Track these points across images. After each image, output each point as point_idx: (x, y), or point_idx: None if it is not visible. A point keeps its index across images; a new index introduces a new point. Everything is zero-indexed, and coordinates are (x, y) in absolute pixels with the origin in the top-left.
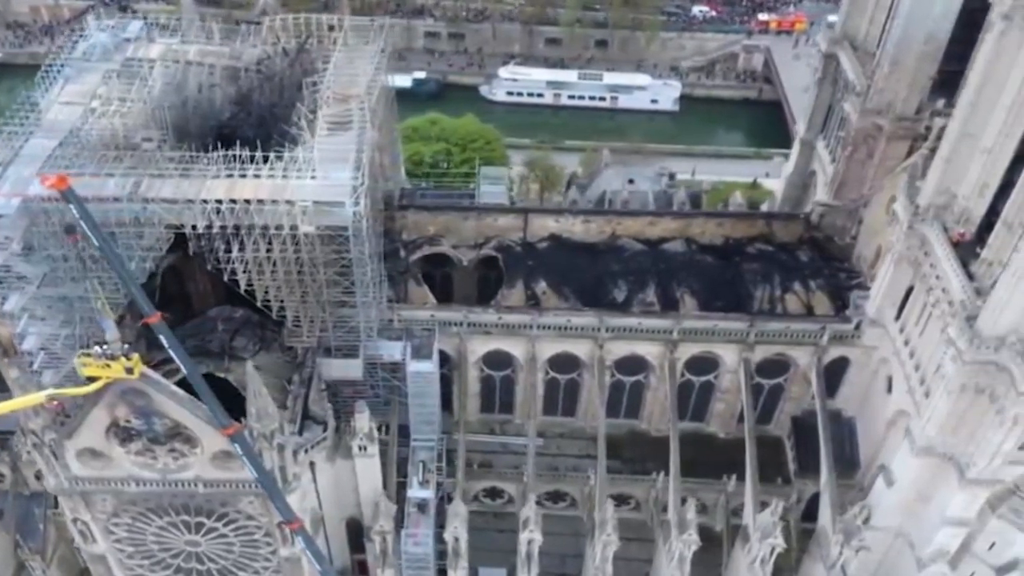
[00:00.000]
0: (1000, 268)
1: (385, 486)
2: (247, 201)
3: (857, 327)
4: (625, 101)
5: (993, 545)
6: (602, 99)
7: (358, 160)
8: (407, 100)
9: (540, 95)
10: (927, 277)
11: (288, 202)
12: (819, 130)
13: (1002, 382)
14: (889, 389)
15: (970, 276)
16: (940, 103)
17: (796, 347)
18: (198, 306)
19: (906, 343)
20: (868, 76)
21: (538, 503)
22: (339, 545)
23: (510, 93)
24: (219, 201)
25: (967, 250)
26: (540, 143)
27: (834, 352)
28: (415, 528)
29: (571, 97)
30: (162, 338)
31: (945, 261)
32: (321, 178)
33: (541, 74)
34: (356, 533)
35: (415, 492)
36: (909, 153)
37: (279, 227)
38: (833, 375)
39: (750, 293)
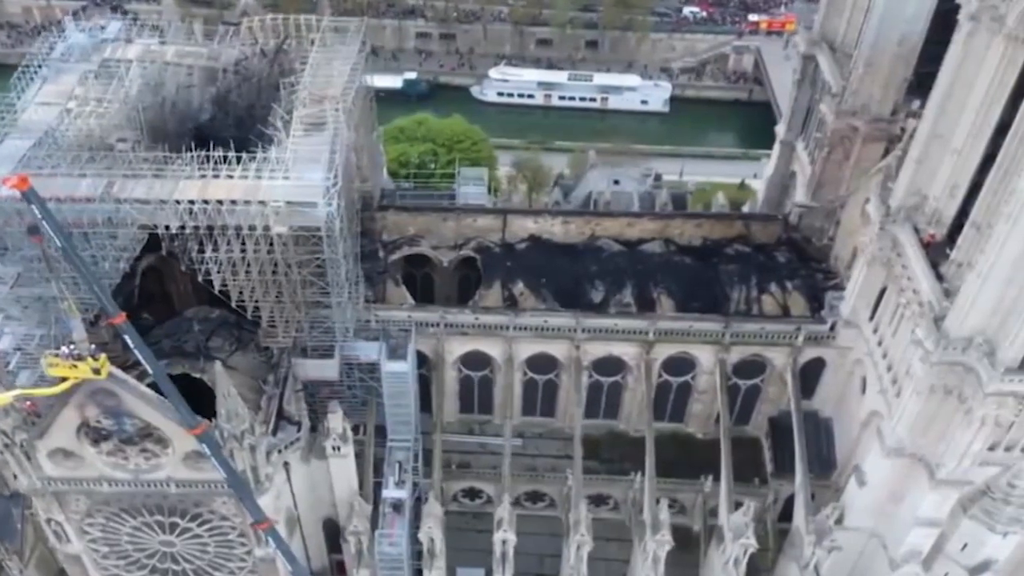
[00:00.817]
0: (969, 269)
1: (362, 487)
2: (220, 202)
3: (832, 328)
4: (615, 102)
5: (965, 546)
6: (592, 100)
7: (331, 161)
8: (398, 101)
9: (531, 96)
10: (899, 278)
11: (261, 202)
12: (799, 131)
13: (970, 383)
14: (864, 390)
15: (940, 277)
16: (916, 104)
17: (772, 348)
18: (180, 306)
19: (879, 344)
20: (845, 77)
21: (517, 503)
22: (316, 545)
23: (501, 94)
24: (192, 201)
25: (937, 251)
26: (530, 144)
27: (810, 353)
28: (390, 528)
29: (561, 98)
30: (127, 338)
31: (915, 262)
32: (294, 179)
33: (532, 75)
34: (333, 533)
35: (391, 492)
36: (885, 154)
37: (252, 227)
38: (810, 376)
39: (727, 294)
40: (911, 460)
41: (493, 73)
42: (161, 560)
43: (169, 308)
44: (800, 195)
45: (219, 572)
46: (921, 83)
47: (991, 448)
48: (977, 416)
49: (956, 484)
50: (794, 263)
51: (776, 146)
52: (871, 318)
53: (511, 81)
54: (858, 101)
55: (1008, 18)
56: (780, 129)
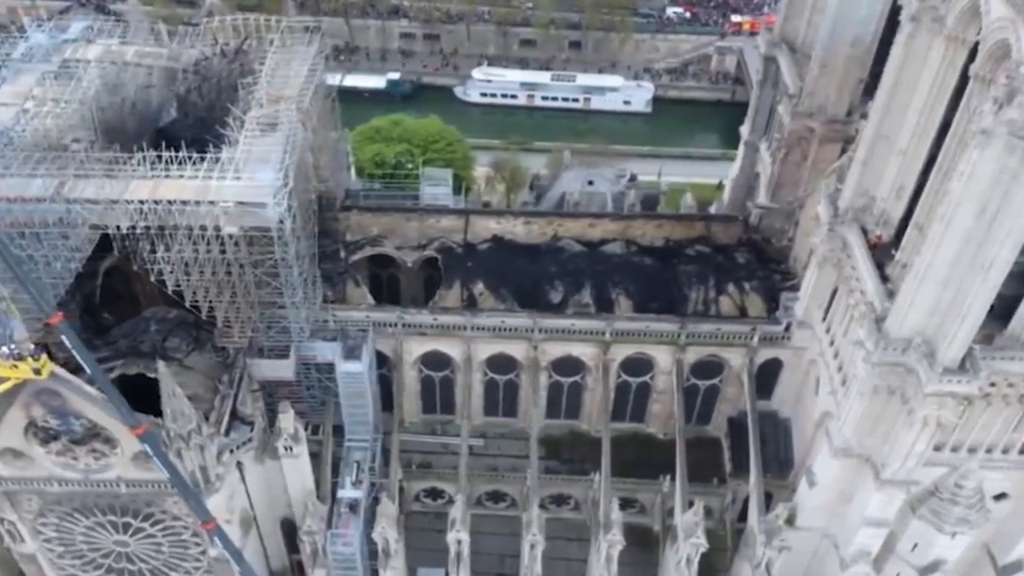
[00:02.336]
0: (909, 270)
1: (320, 487)
2: (170, 202)
3: (787, 329)
4: (598, 102)
5: (916, 546)
6: (575, 100)
7: (282, 161)
8: (382, 101)
9: (514, 96)
10: (848, 279)
11: (211, 203)
12: (762, 132)
13: (911, 384)
14: (817, 390)
15: (886, 278)
16: (870, 105)
17: (728, 348)
18: (145, 306)
19: (831, 344)
20: (803, 79)
21: (479, 503)
22: (275, 545)
23: (484, 94)
24: (142, 202)
25: (884, 252)
26: (509, 144)
27: (766, 353)
28: (344, 528)
29: (544, 98)
30: (64, 338)
31: (862, 263)
32: (245, 179)
33: (515, 75)
34: (292, 534)
35: (346, 492)
36: (842, 155)
37: (203, 228)
38: (768, 376)
39: (685, 295)
40: (858, 460)
41: (476, 74)
42: (117, 560)
43: (135, 308)
44: (762, 196)
45: (174, 572)
46: (877, 84)
47: (937, 448)
48: (919, 416)
49: (901, 484)
50: (753, 264)
51: (741, 147)
52: (824, 319)
53: (494, 82)
54: (814, 102)
55: (948, 19)
56: (744, 130)
